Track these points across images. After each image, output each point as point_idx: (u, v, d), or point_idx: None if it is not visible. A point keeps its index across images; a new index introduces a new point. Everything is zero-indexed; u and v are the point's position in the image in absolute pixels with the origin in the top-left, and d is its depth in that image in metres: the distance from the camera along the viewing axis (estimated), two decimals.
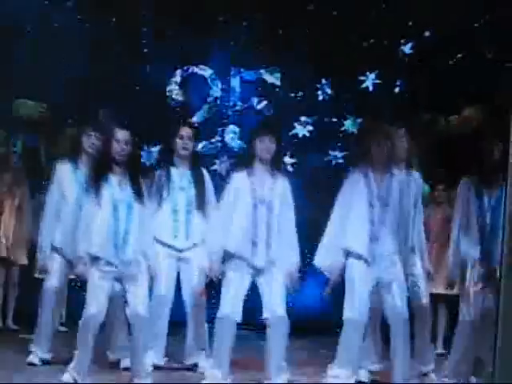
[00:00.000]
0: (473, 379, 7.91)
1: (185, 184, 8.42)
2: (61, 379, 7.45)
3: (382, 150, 7.72)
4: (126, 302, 7.64)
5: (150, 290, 7.94)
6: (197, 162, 8.57)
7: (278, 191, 7.81)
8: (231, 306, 7.64)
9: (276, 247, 7.74)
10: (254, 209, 7.73)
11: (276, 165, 7.85)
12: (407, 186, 7.83)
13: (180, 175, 8.43)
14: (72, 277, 8.44)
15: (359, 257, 7.68)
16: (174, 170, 8.42)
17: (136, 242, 7.60)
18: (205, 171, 8.65)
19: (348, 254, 7.69)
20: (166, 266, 8.29)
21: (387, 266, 7.57)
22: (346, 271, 7.71)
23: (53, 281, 8.44)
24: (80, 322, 7.52)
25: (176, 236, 8.37)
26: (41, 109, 10.92)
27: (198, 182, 8.45)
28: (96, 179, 7.64)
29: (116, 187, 7.60)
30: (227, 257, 7.75)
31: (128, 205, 7.58)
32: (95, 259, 7.54)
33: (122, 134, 7.57)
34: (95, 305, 7.49)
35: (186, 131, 8.45)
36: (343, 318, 7.72)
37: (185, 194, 8.40)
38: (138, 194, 7.63)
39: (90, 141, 8.35)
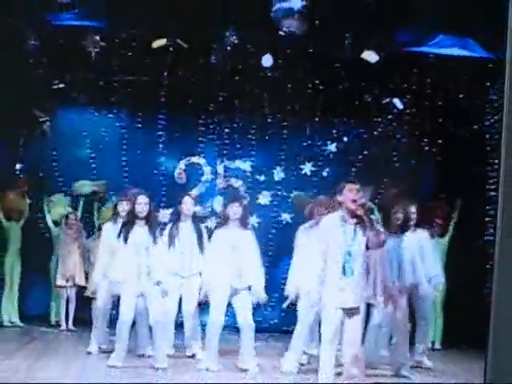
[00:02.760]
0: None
1: (188, 234, 8.47)
2: (107, 363, 7.77)
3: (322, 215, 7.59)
4: (147, 312, 7.86)
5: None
6: (196, 219, 8.60)
7: (245, 240, 7.88)
8: (217, 314, 7.80)
9: (246, 276, 7.80)
10: (229, 252, 7.80)
11: (243, 223, 7.97)
12: None
13: (184, 228, 8.49)
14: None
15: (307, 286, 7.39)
16: (180, 224, 8.50)
17: (152, 272, 7.70)
18: (202, 225, 8.73)
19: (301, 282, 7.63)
20: (175, 289, 8.33)
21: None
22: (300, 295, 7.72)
23: (102, 299, 8.61)
24: (117, 325, 7.82)
25: (182, 268, 8.40)
26: (94, 187, 10.95)
27: (197, 233, 8.47)
28: (125, 230, 7.78)
29: (138, 234, 7.72)
30: (214, 283, 7.83)
31: (146, 246, 7.70)
32: (125, 283, 7.74)
33: (141, 198, 7.74)
34: (126, 314, 7.75)
35: (188, 200, 8.60)
36: (298, 320, 7.83)
37: (188, 241, 8.46)
38: (154, 238, 7.74)
39: (122, 206, 8.49)
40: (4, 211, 10.70)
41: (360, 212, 6.20)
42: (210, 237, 8.26)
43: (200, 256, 8.37)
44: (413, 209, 8.26)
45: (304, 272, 7.53)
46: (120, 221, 8.37)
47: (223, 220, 8.06)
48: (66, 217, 10.74)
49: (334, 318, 6.23)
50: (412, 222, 8.16)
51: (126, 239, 7.74)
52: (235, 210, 7.92)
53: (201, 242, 8.44)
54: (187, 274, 8.42)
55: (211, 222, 10.85)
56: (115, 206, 8.74)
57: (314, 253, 6.51)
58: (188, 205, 8.53)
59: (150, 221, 7.78)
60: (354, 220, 6.26)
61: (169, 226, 8.54)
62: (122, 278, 7.78)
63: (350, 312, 6.24)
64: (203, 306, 8.50)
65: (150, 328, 7.99)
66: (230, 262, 7.82)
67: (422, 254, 8.22)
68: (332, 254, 6.26)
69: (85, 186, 10.47)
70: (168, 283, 7.98)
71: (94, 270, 8.74)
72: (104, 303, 8.65)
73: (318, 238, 6.52)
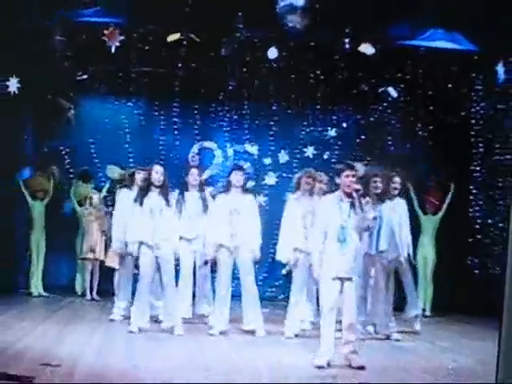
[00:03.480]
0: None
1: (195, 201, 8.54)
2: (129, 328, 7.81)
3: (309, 185, 8.02)
4: (160, 273, 7.95)
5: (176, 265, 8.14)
6: (202, 188, 8.71)
7: (246, 203, 7.99)
8: (225, 286, 7.95)
9: (245, 237, 7.91)
10: (229, 215, 7.93)
11: (244, 189, 8.09)
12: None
13: (191, 196, 8.58)
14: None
15: (301, 250, 7.81)
16: (187, 193, 8.57)
17: (165, 233, 7.83)
18: (208, 193, 8.72)
19: (295, 249, 7.88)
20: (186, 252, 8.42)
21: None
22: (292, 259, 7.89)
23: (123, 264, 8.74)
24: (137, 286, 7.96)
25: (191, 230, 8.45)
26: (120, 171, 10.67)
27: (203, 199, 8.56)
28: (141, 195, 7.97)
29: (152, 199, 7.89)
30: (217, 246, 7.93)
31: (160, 210, 7.86)
32: (141, 244, 7.85)
33: (157, 168, 7.95)
34: (146, 275, 7.88)
35: (195, 171, 8.73)
36: (291, 289, 8.03)
37: (194, 208, 8.51)
38: (167, 202, 7.91)
39: (139, 176, 8.58)
40: (31, 191, 10.92)
41: (354, 195, 6.50)
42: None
43: (206, 219, 8.41)
44: (397, 179, 8.26)
45: (296, 238, 7.80)
46: (135, 188, 8.54)
47: (226, 186, 8.17)
48: (90, 197, 10.95)
49: (333, 288, 6.43)
50: (396, 192, 8.20)
51: (141, 203, 7.91)
52: (238, 178, 8.04)
53: (206, 207, 8.50)
54: (195, 235, 8.49)
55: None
56: (132, 174, 8.85)
57: (315, 229, 6.73)
58: (195, 175, 8.64)
59: (164, 187, 7.96)
60: (350, 199, 6.54)
61: (176, 196, 8.53)
62: (139, 239, 7.86)
63: (346, 281, 6.45)
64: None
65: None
66: (232, 224, 7.93)
67: (400, 223, 8.16)
68: (330, 230, 6.50)
69: (114, 172, 10.53)
70: (182, 248, 8.18)
71: (113, 231, 8.85)
72: (126, 267, 8.75)
73: (317, 216, 6.76)
